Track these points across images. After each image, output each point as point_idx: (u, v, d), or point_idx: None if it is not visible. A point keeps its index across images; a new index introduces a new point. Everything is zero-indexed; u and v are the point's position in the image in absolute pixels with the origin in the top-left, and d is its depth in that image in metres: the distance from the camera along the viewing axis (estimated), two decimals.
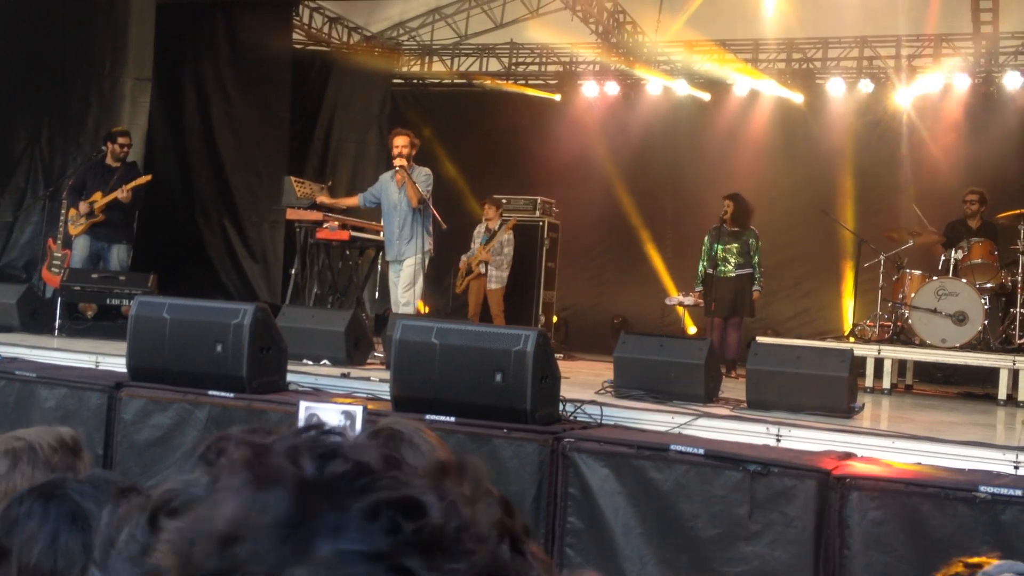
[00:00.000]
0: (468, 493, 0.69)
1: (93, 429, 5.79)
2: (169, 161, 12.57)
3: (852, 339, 9.42)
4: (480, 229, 11.58)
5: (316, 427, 0.72)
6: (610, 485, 4.83)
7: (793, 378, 6.06)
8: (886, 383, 8.47)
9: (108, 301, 8.92)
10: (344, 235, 9.38)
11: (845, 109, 12.85)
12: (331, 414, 4.74)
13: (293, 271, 9.68)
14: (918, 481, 4.37)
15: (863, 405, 6.49)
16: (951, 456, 4.85)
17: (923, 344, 8.71)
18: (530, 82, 15.04)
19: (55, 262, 9.96)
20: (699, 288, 10.13)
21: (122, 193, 9.37)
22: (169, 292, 8.22)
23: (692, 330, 12.84)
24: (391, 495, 0.65)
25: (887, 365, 8.51)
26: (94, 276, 9.06)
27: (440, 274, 12.16)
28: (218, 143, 13.21)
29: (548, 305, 12.30)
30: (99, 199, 9.47)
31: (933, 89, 12.43)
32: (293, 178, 9.75)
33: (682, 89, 13.52)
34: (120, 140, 9.72)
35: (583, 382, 7.20)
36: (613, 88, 13.99)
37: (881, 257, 9.62)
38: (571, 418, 5.54)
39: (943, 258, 9.35)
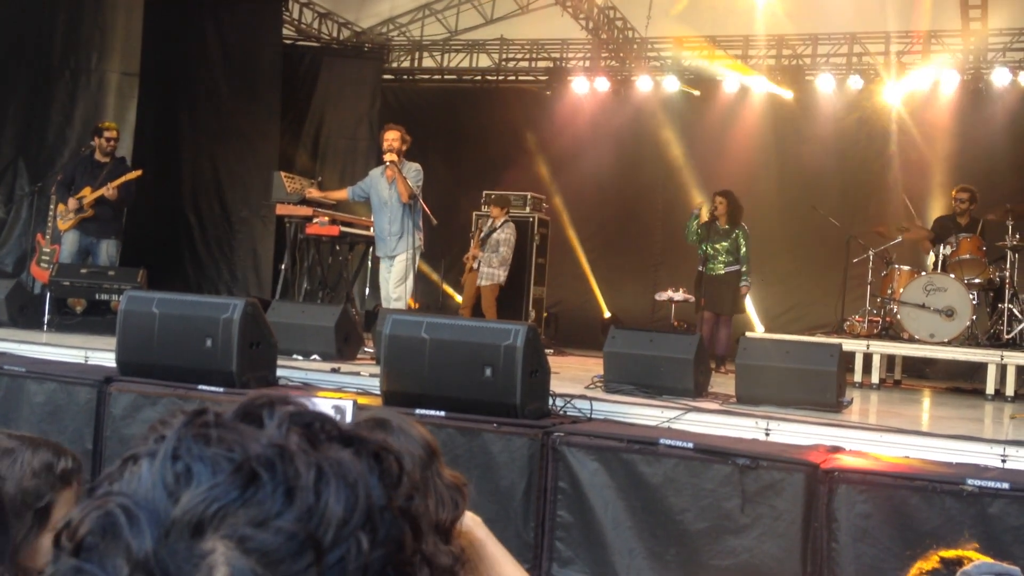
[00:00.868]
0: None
1: (83, 424, 5.78)
2: (158, 156, 12.52)
3: (841, 334, 9.45)
4: (485, 224, 11.62)
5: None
6: (600, 479, 4.84)
7: (782, 373, 6.09)
8: (875, 378, 8.50)
9: (97, 296, 8.90)
10: (334, 230, 9.36)
11: (834, 105, 12.88)
12: (321, 409, 4.73)
13: (283, 266, 9.67)
14: (905, 474, 4.39)
15: (851, 399, 6.52)
16: (939, 450, 4.87)
17: (911, 339, 8.74)
18: (520, 78, 15.05)
19: (44, 257, 9.93)
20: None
21: (108, 191, 9.34)
22: (158, 287, 8.20)
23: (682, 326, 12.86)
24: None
25: (876, 360, 8.55)
26: (83, 271, 9.03)
27: (431, 269, 12.17)
28: (208, 138, 13.18)
29: (538, 300, 12.32)
30: (88, 194, 9.44)
31: (922, 86, 12.47)
32: (283, 173, 9.73)
33: (672, 85, 13.53)
34: (106, 134, 9.69)
35: (573, 377, 7.22)
36: (603, 84, 13.99)
37: (870, 253, 9.66)
38: (561, 412, 5.56)
39: (931, 254, 9.39)
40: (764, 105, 13.23)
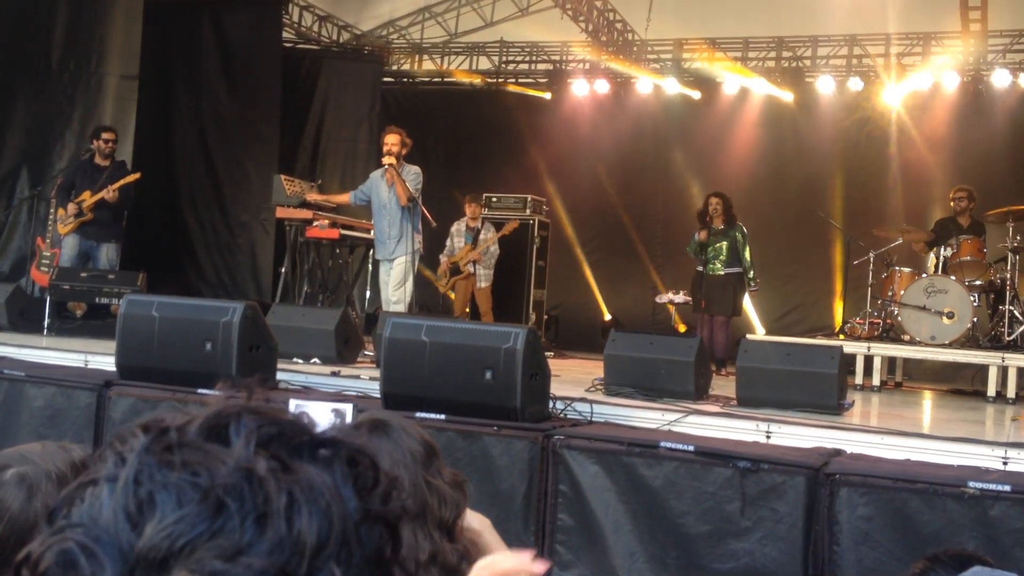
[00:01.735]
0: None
1: (82, 428, 5.77)
2: (158, 159, 12.52)
3: (842, 336, 9.45)
4: (460, 227, 11.45)
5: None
6: (600, 482, 4.83)
7: (783, 375, 6.08)
8: (875, 380, 8.49)
9: (97, 300, 8.89)
10: (334, 233, 9.36)
11: (834, 107, 12.87)
12: (321, 412, 4.73)
13: (283, 269, 9.66)
14: (907, 477, 4.38)
15: (852, 402, 6.51)
16: (940, 452, 4.86)
17: (912, 341, 8.73)
18: (520, 80, 15.04)
19: (44, 261, 9.93)
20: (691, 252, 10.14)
21: (108, 193, 9.33)
22: (158, 291, 8.19)
23: (682, 328, 12.86)
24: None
25: (876, 362, 8.53)
26: (83, 275, 9.02)
27: (432, 272, 12.16)
28: (207, 141, 13.18)
29: (538, 303, 12.31)
30: (87, 198, 9.44)
31: (922, 87, 12.46)
32: (283, 176, 9.73)
33: (672, 87, 13.53)
34: (104, 136, 9.69)
35: (573, 380, 7.20)
36: (603, 86, 13.98)
37: (871, 255, 9.65)
38: (561, 415, 5.54)
39: (932, 256, 9.38)
40: (764, 107, 13.23)
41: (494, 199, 11.89)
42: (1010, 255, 8.99)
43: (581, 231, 13.88)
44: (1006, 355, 8.13)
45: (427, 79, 15.61)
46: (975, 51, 12.59)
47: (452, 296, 11.56)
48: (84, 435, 5.74)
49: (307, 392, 6.07)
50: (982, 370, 8.46)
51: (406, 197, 8.55)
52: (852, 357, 8.28)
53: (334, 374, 6.64)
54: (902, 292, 8.88)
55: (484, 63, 15.23)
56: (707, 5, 13.09)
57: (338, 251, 10.03)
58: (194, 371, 5.75)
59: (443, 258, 11.40)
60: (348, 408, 4.71)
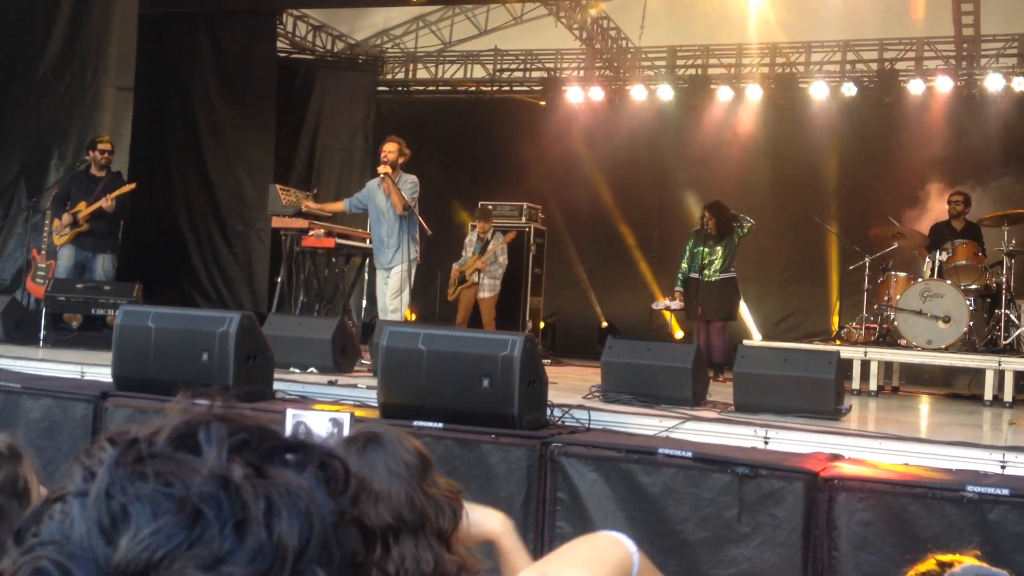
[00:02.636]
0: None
1: (79, 440, 5.76)
2: (154, 170, 12.52)
3: (839, 341, 9.45)
4: (472, 238, 11.57)
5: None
6: (599, 489, 4.82)
7: (780, 381, 6.08)
8: (873, 385, 8.49)
9: (93, 311, 8.87)
10: (330, 243, 9.35)
11: (828, 112, 12.90)
12: (318, 422, 4.72)
13: (279, 279, 9.65)
14: (905, 482, 4.38)
15: (850, 407, 6.51)
16: (938, 456, 4.86)
17: (909, 346, 8.74)
18: (515, 88, 15.06)
19: (39, 273, 9.91)
20: (679, 288, 10.12)
21: (106, 202, 9.32)
22: (154, 302, 8.18)
23: (679, 334, 12.87)
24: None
25: (873, 367, 8.53)
26: (79, 286, 9.00)
27: (428, 281, 12.16)
28: (203, 152, 13.19)
29: (535, 310, 12.30)
30: (83, 209, 9.43)
31: (916, 92, 12.49)
32: (278, 186, 9.72)
33: (666, 94, 13.55)
34: (100, 146, 9.68)
35: (571, 387, 7.20)
36: (598, 94, 14.00)
37: (866, 260, 9.66)
38: (559, 423, 5.54)
39: (927, 260, 9.39)
40: (758, 113, 13.25)
41: (490, 207, 11.90)
42: (1005, 259, 9.00)
43: (577, 238, 13.89)
44: (1002, 359, 8.14)
45: (422, 88, 15.63)
46: (968, 55, 12.64)
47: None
48: (81, 447, 5.71)
49: (304, 402, 6.06)
50: (979, 374, 8.46)
51: (402, 206, 8.56)
52: (849, 362, 8.28)
53: (331, 384, 6.63)
54: (898, 297, 8.88)
55: (478, 71, 15.25)
56: (700, 12, 13.11)
57: (334, 260, 10.01)
58: (191, 382, 5.71)
59: (455, 267, 11.45)
60: (346, 417, 4.70)
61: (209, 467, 0.65)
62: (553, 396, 5.66)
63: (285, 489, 0.66)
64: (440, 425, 5.15)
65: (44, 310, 8.84)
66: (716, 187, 11.46)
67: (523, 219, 12.18)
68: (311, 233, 9.28)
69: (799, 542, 4.42)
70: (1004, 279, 8.94)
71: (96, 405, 5.85)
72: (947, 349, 8.56)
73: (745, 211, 10.29)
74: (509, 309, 11.69)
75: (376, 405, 5.59)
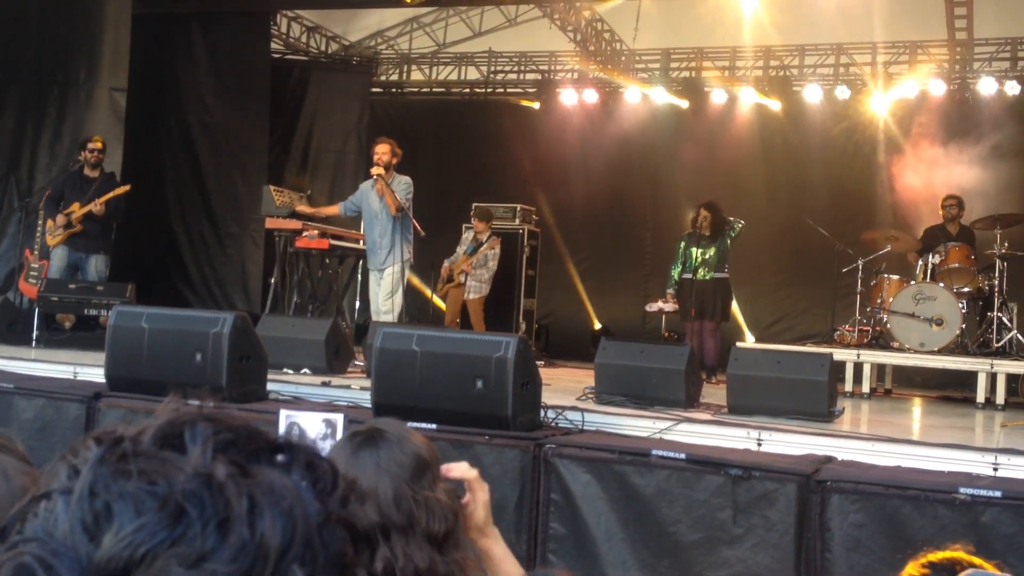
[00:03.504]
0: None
1: (72, 440, 5.74)
2: (148, 171, 12.49)
3: (831, 344, 9.46)
4: (468, 236, 11.55)
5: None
6: (592, 490, 4.83)
7: (773, 383, 6.09)
8: (865, 387, 8.51)
9: (86, 311, 8.86)
10: (323, 244, 9.35)
11: (822, 115, 12.92)
12: (312, 423, 4.71)
13: (273, 280, 9.64)
14: (898, 483, 4.39)
15: (843, 409, 6.52)
16: (931, 459, 4.88)
17: (902, 348, 8.76)
18: (509, 90, 15.07)
19: (32, 273, 9.88)
20: (671, 290, 10.14)
21: (96, 206, 9.30)
22: (147, 302, 8.17)
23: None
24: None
25: (866, 369, 8.56)
26: (72, 287, 8.99)
27: (422, 282, 12.16)
28: (197, 153, 13.17)
29: (529, 312, 12.31)
30: (76, 209, 9.41)
31: (909, 95, 12.52)
32: (272, 187, 9.71)
33: (660, 97, 13.57)
34: (90, 145, 9.67)
35: (564, 388, 7.20)
36: (592, 96, 14.01)
37: (859, 262, 9.68)
38: (553, 424, 5.54)
39: (920, 263, 9.42)
40: (752, 116, 13.27)
41: (478, 210, 11.89)
42: (998, 262, 9.03)
43: (571, 240, 13.89)
44: (995, 361, 8.16)
45: (416, 89, 15.63)
46: (961, 59, 12.68)
47: (443, 307, 11.57)
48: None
49: (297, 403, 6.05)
50: (971, 376, 8.49)
51: (395, 207, 8.56)
52: (842, 364, 8.30)
53: (325, 384, 6.63)
54: (891, 299, 8.91)
55: (473, 73, 15.26)
56: (694, 15, 13.13)
57: (327, 261, 10.01)
58: (184, 382, 5.71)
59: (446, 263, 11.44)
60: (339, 418, 4.70)
61: (193, 466, 0.66)
62: (547, 397, 5.66)
63: (269, 488, 0.66)
64: (434, 426, 5.14)
65: (37, 310, 8.82)
66: (709, 189, 11.46)
67: (517, 221, 12.18)
68: (305, 234, 9.28)
69: (792, 544, 4.42)
70: (996, 282, 8.97)
71: (89, 405, 5.84)
72: (940, 352, 8.58)
73: (738, 213, 10.32)
74: (502, 311, 11.68)
75: (369, 406, 5.59)
